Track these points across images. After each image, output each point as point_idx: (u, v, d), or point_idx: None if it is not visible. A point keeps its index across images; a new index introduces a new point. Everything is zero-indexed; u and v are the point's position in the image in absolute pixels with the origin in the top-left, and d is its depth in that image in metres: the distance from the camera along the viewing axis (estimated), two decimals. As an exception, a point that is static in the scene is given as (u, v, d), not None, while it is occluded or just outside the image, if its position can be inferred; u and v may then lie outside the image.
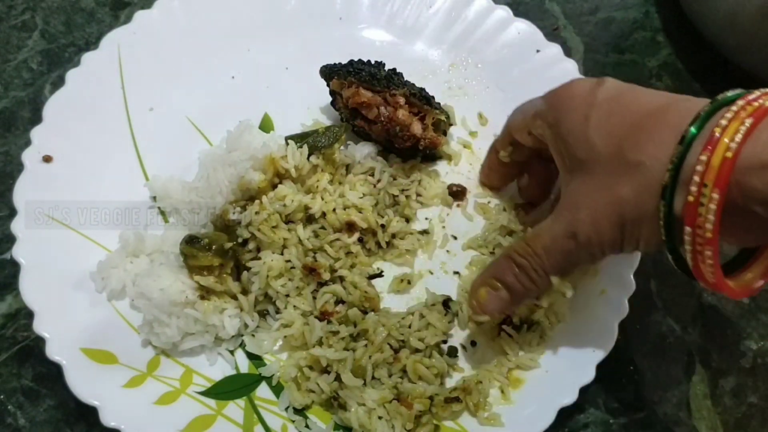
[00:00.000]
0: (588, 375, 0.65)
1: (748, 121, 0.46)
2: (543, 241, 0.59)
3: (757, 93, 0.49)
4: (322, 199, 0.71)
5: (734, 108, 0.47)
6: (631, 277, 0.69)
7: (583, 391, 0.65)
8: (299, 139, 0.73)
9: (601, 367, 0.66)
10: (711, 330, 0.75)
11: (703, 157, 0.46)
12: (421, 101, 0.74)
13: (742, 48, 0.85)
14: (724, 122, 0.46)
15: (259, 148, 0.71)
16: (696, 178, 0.47)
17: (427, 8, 0.88)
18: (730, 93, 0.49)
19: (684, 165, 0.48)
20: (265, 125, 0.81)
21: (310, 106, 0.83)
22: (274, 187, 0.71)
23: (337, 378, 0.65)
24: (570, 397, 0.64)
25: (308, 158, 0.72)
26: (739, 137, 0.45)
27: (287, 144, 0.72)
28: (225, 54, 0.85)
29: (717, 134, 0.46)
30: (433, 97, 0.76)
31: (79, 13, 0.93)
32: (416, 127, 0.73)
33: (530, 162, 0.71)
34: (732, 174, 0.46)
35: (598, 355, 0.66)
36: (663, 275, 0.78)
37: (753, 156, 0.46)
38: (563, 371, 0.66)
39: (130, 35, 0.82)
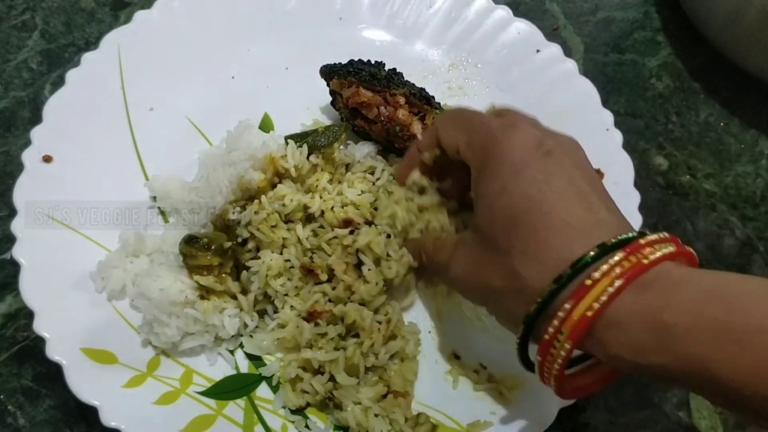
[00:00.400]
0: (588, 375, 0.65)
1: (618, 282, 0.47)
2: (435, 256, 0.63)
3: (649, 239, 0.49)
4: (321, 198, 0.71)
5: (615, 261, 0.48)
6: (631, 277, 0.69)
7: (583, 391, 0.65)
8: (299, 138, 0.73)
9: (601, 367, 0.66)
10: (711, 330, 0.75)
11: (567, 306, 0.48)
12: (421, 101, 0.74)
13: (742, 48, 0.85)
14: (596, 275, 0.48)
15: (258, 148, 0.71)
16: (555, 323, 0.49)
17: (427, 8, 0.88)
18: (627, 235, 0.50)
19: (554, 301, 0.50)
20: (265, 125, 0.81)
21: (310, 106, 0.83)
22: (274, 186, 0.71)
23: (331, 378, 0.65)
24: (570, 397, 0.64)
25: (308, 158, 0.72)
26: (605, 298, 0.47)
27: (287, 144, 0.72)
28: (225, 54, 0.85)
29: (586, 286, 0.48)
30: (433, 97, 0.76)
31: (79, 13, 0.93)
32: (416, 127, 0.73)
33: (453, 167, 0.67)
34: (591, 329, 0.48)
35: (598, 355, 0.66)
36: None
37: (612, 314, 0.47)
38: (563, 371, 0.66)
39: (130, 35, 0.82)
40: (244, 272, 0.69)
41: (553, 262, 0.50)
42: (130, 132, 0.79)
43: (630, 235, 0.49)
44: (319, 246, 0.70)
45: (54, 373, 0.65)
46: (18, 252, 0.67)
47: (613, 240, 0.49)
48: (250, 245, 0.69)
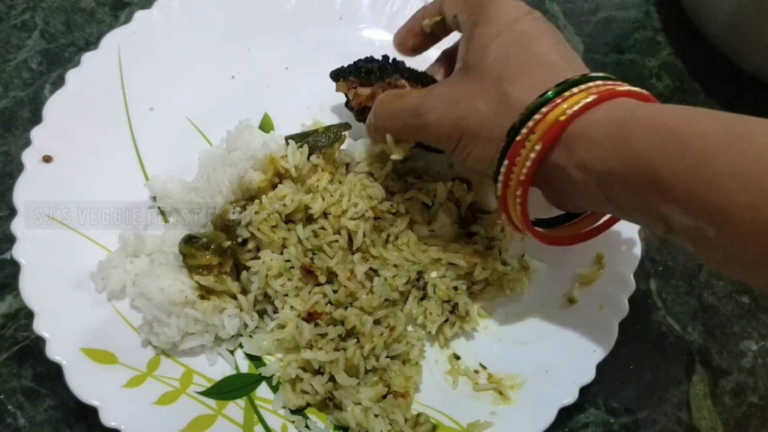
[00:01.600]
0: (588, 375, 0.65)
1: (592, 97, 0.52)
2: (400, 102, 0.65)
3: (619, 83, 0.55)
4: (323, 199, 0.71)
5: (591, 84, 0.53)
6: (631, 277, 0.69)
7: (583, 391, 0.65)
8: (299, 139, 0.73)
9: (601, 367, 0.66)
10: (711, 330, 0.75)
11: (544, 109, 0.53)
12: (426, 81, 0.72)
13: (742, 48, 0.85)
14: (575, 90, 0.53)
15: (259, 148, 0.71)
16: (529, 124, 0.53)
17: (427, 8, 0.88)
18: (600, 74, 0.55)
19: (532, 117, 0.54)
20: (265, 125, 0.81)
21: (310, 106, 0.83)
22: (274, 186, 0.71)
23: (331, 378, 0.65)
24: (570, 397, 0.64)
25: (308, 158, 0.72)
26: (577, 107, 0.52)
27: (287, 144, 0.72)
28: (225, 54, 0.85)
29: (564, 97, 0.53)
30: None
31: (79, 13, 0.93)
32: None
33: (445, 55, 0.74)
34: (562, 135, 0.53)
35: (598, 355, 0.66)
36: (663, 275, 0.78)
37: (582, 123, 0.52)
38: (563, 371, 0.66)
39: (130, 35, 0.82)
40: (244, 272, 0.69)
41: (541, 84, 0.54)
42: (130, 132, 0.79)
43: (607, 75, 0.55)
44: (319, 247, 0.70)
45: (54, 373, 0.65)
46: (18, 252, 0.67)
47: (595, 74, 0.55)
48: (250, 245, 0.69)
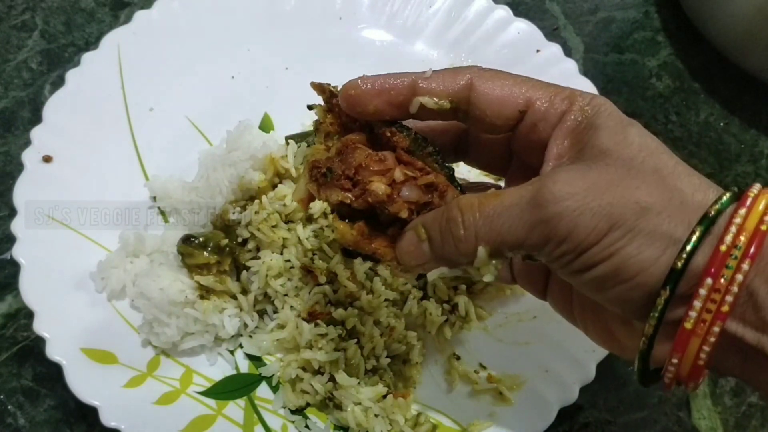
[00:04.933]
0: (588, 375, 0.65)
1: None
2: (498, 201, 0.47)
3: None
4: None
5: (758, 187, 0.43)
6: (631, 277, 0.69)
7: (583, 391, 0.65)
8: (299, 138, 0.73)
9: (601, 367, 0.66)
10: (711, 330, 0.75)
11: (742, 211, 0.41)
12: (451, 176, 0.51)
13: (742, 48, 0.85)
14: (755, 190, 0.43)
15: (259, 148, 0.71)
16: (732, 229, 0.41)
17: (427, 8, 0.88)
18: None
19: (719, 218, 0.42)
20: (265, 125, 0.81)
21: (310, 106, 0.83)
22: (274, 186, 0.71)
23: (331, 378, 0.65)
24: (570, 397, 0.64)
25: (308, 158, 0.72)
26: None
27: (287, 144, 0.72)
28: (225, 54, 0.85)
29: (748, 196, 0.42)
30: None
31: (79, 13, 0.93)
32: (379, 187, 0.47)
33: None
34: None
35: (598, 355, 0.66)
36: (663, 275, 0.78)
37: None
38: (563, 371, 0.66)
39: (130, 35, 0.82)
40: (244, 272, 0.69)
41: (707, 185, 0.44)
42: (130, 132, 0.79)
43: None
44: (319, 247, 0.70)
45: (54, 373, 0.65)
46: (18, 252, 0.67)
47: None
48: (251, 245, 0.69)
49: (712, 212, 0.42)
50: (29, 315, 0.65)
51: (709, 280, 0.41)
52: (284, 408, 0.66)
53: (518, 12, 0.87)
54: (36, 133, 0.73)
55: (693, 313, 0.41)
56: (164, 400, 0.64)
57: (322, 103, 0.53)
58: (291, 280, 0.69)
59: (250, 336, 0.69)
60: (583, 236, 0.44)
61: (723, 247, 0.41)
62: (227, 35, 0.85)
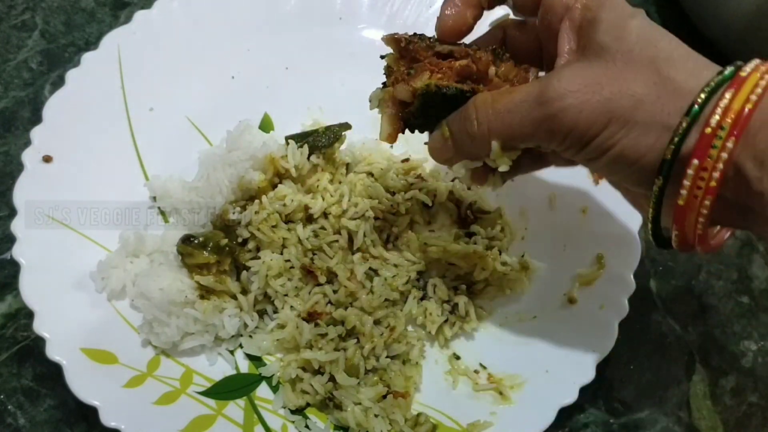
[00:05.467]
0: (588, 375, 0.65)
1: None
2: (509, 98, 0.51)
3: None
4: (323, 199, 0.71)
5: (754, 64, 0.47)
6: (631, 277, 0.69)
7: (583, 391, 0.65)
8: (299, 139, 0.73)
9: (601, 367, 0.66)
10: (711, 330, 0.75)
11: (728, 95, 0.44)
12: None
13: (742, 48, 0.85)
14: (748, 69, 0.46)
15: (259, 148, 0.71)
16: (718, 111, 0.44)
17: (427, 8, 0.88)
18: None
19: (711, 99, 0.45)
20: (265, 125, 0.81)
21: (310, 106, 0.83)
22: (274, 186, 0.71)
23: (331, 378, 0.65)
24: (570, 397, 0.64)
25: (308, 158, 0.72)
26: (759, 91, 0.44)
27: (287, 144, 0.72)
28: (225, 54, 0.85)
29: (741, 77, 0.45)
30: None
31: (79, 13, 0.93)
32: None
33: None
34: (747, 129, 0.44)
35: (598, 355, 0.66)
36: (663, 275, 0.78)
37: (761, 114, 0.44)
38: (563, 371, 0.66)
39: (130, 35, 0.82)
40: (244, 272, 0.70)
41: (704, 71, 0.47)
42: (130, 132, 0.79)
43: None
44: (319, 247, 0.70)
45: (54, 373, 0.65)
46: (18, 252, 0.67)
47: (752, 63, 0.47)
48: (251, 245, 0.69)
49: (700, 99, 0.45)
50: (29, 315, 0.65)
51: (695, 161, 0.44)
52: (284, 408, 0.66)
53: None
54: (36, 133, 0.73)
55: (684, 192, 0.45)
56: (164, 400, 0.64)
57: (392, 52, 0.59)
58: (291, 280, 0.69)
59: (250, 336, 0.69)
60: (585, 130, 0.48)
61: (708, 130, 0.44)
62: (227, 35, 0.85)
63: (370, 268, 0.70)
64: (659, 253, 0.79)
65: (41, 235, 0.69)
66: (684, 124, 0.45)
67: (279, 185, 0.71)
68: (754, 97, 0.44)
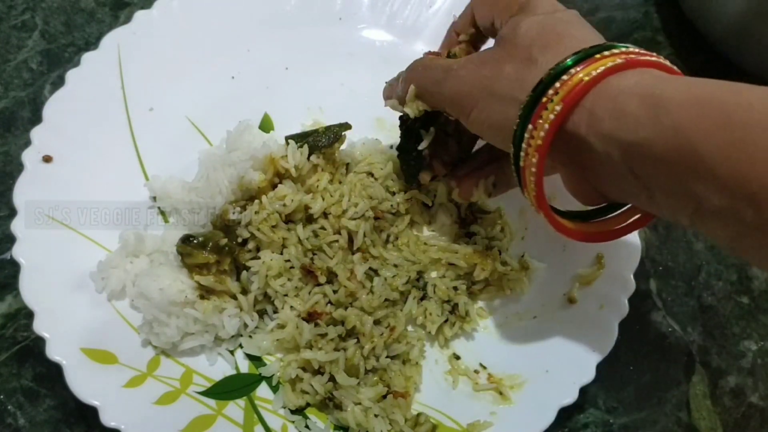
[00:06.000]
0: (588, 375, 0.65)
1: (620, 60, 0.50)
2: (434, 61, 0.66)
3: (648, 53, 0.52)
4: (323, 199, 0.71)
5: (620, 50, 0.51)
6: (631, 277, 0.69)
7: (583, 391, 0.65)
8: (299, 138, 0.73)
9: (601, 367, 0.66)
10: (711, 330, 0.75)
11: (572, 71, 0.51)
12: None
13: (742, 48, 0.85)
14: (606, 53, 0.51)
15: (259, 148, 0.71)
16: (556, 85, 0.51)
17: (427, 8, 0.88)
18: (630, 45, 0.53)
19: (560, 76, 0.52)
20: (265, 125, 0.81)
21: (310, 106, 0.83)
22: (274, 186, 0.71)
23: (331, 378, 0.65)
24: (570, 397, 0.64)
25: (308, 158, 0.72)
26: (603, 69, 0.50)
27: (287, 144, 0.72)
28: (225, 54, 0.85)
29: (594, 59, 0.51)
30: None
31: (79, 13, 0.93)
32: None
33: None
34: (586, 101, 0.50)
35: (598, 355, 0.66)
36: (663, 275, 0.78)
37: (606, 86, 0.50)
38: (563, 371, 0.67)
39: (130, 35, 0.82)
40: (244, 272, 0.70)
41: (570, 52, 0.52)
42: (130, 132, 0.79)
43: (639, 49, 0.53)
44: (319, 247, 0.70)
45: (54, 373, 0.65)
46: (18, 252, 0.67)
47: (624, 44, 0.52)
48: (250, 245, 0.69)
49: (547, 76, 0.52)
50: (29, 315, 0.65)
51: (530, 126, 0.52)
52: (284, 408, 0.66)
53: (518, 12, 0.87)
54: (36, 133, 0.73)
55: (522, 154, 0.53)
56: (164, 400, 0.64)
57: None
58: (291, 280, 0.69)
59: (250, 336, 0.69)
60: (465, 98, 0.59)
61: (544, 99, 0.51)
62: (227, 35, 0.85)
63: (370, 268, 0.70)
64: (659, 253, 0.79)
65: (41, 235, 0.69)
66: (527, 97, 0.52)
67: (279, 185, 0.71)
68: (594, 73, 0.50)
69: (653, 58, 0.51)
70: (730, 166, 0.43)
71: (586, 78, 0.50)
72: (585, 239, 0.60)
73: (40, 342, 0.65)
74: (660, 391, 0.71)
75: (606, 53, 0.51)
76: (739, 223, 0.44)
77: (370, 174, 0.75)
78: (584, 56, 0.51)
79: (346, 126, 0.75)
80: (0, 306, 0.73)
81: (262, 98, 0.83)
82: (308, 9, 0.88)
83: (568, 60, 0.51)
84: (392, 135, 0.78)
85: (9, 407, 0.68)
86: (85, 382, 0.62)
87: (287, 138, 0.74)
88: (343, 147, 0.76)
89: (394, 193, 0.74)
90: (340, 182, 0.74)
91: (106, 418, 0.61)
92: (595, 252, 0.72)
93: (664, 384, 0.72)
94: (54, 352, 0.63)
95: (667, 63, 0.52)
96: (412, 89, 0.65)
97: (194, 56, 0.84)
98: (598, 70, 0.50)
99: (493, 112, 0.57)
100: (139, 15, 0.83)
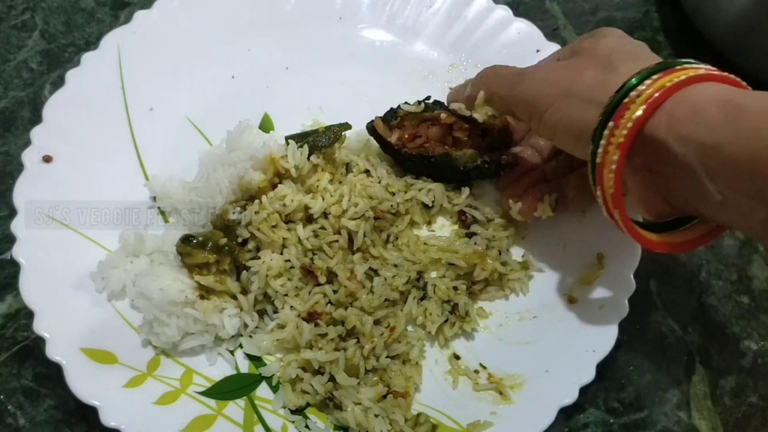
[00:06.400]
0: (588, 375, 0.65)
1: (701, 71, 0.54)
2: (503, 69, 0.70)
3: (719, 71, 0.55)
4: (323, 199, 0.71)
5: (698, 65, 0.55)
6: (631, 277, 0.69)
7: (583, 391, 0.65)
8: (299, 139, 0.73)
9: (601, 367, 0.66)
10: (711, 330, 0.75)
11: (655, 76, 0.54)
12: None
13: (742, 48, 0.85)
14: (685, 64, 0.54)
15: (259, 148, 0.71)
16: (640, 87, 0.54)
17: (427, 8, 0.88)
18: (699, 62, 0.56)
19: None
20: (265, 125, 0.81)
21: (310, 106, 0.83)
22: (274, 186, 0.71)
23: (331, 378, 0.65)
24: (570, 397, 0.64)
25: (308, 158, 0.72)
26: (684, 77, 0.53)
27: (287, 144, 0.72)
28: (225, 54, 0.85)
29: (674, 69, 0.54)
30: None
31: (79, 13, 0.93)
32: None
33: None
34: (667, 104, 0.53)
35: (598, 355, 0.66)
36: (663, 275, 0.78)
37: (687, 94, 0.53)
38: (563, 371, 0.66)
39: (130, 35, 0.82)
40: (244, 272, 0.70)
41: (649, 62, 0.56)
42: (130, 132, 0.79)
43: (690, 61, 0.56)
44: (319, 247, 0.70)
45: (54, 373, 0.65)
46: (18, 252, 0.67)
47: (701, 63, 0.56)
48: (251, 245, 0.69)
49: (632, 81, 0.54)
50: (29, 315, 0.65)
51: (611, 123, 0.54)
52: (284, 408, 0.66)
53: (518, 12, 0.87)
54: (36, 133, 0.73)
55: (600, 150, 0.55)
56: (164, 400, 0.64)
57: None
58: (291, 280, 0.69)
59: (250, 336, 0.69)
60: (541, 99, 0.62)
61: (626, 100, 0.54)
62: (227, 35, 0.85)
63: (370, 268, 0.70)
64: (659, 253, 0.79)
65: (41, 235, 0.69)
66: (613, 99, 0.54)
67: (279, 185, 0.71)
68: (676, 80, 0.53)
69: (728, 75, 0.54)
70: None
71: (668, 84, 0.52)
72: (656, 248, 0.61)
73: (40, 342, 0.65)
74: (660, 391, 0.71)
75: (686, 66, 0.54)
76: None
77: (370, 174, 0.75)
78: (665, 66, 0.54)
79: (346, 126, 0.75)
80: (0, 306, 0.73)
81: (262, 98, 0.83)
82: (308, 9, 0.88)
83: (652, 67, 0.54)
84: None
85: (9, 407, 0.68)
86: (85, 382, 0.62)
87: (287, 138, 0.74)
88: (342, 147, 0.76)
89: (394, 193, 0.74)
90: (340, 182, 0.74)
91: (106, 418, 0.61)
92: (595, 252, 0.72)
93: (664, 384, 0.72)
94: (54, 352, 0.63)
95: (739, 80, 0.55)
96: (482, 94, 0.69)
97: (194, 56, 0.84)
98: (680, 78, 0.53)
99: (571, 111, 0.59)
100: (139, 15, 0.83)
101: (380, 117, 0.74)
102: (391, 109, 0.75)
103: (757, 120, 0.47)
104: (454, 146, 0.74)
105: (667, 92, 0.52)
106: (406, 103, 0.74)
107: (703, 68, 0.54)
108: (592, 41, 0.63)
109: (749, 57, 0.85)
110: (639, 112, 0.53)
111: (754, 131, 0.47)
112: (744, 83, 0.54)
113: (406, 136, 0.74)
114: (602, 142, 0.55)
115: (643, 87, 0.53)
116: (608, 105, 0.54)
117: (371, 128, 0.74)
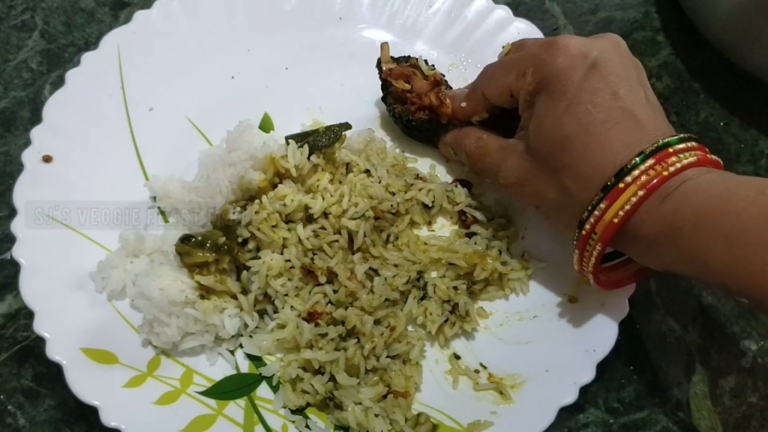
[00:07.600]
0: (588, 375, 0.65)
1: (641, 193, 0.55)
2: (483, 160, 0.70)
3: (677, 147, 0.56)
4: (323, 198, 0.71)
5: (642, 168, 0.55)
6: (631, 276, 0.69)
7: (583, 391, 0.65)
8: (300, 138, 0.73)
9: (601, 367, 0.66)
10: (711, 330, 0.75)
11: (602, 206, 0.57)
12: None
13: (742, 48, 0.85)
14: (629, 179, 0.56)
15: (259, 148, 0.71)
16: (592, 220, 0.58)
17: (427, 8, 0.88)
18: (656, 144, 0.56)
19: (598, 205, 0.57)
20: (265, 125, 0.81)
21: (310, 106, 0.83)
22: (274, 186, 0.71)
23: (332, 378, 0.65)
24: (570, 397, 0.64)
25: (308, 158, 0.72)
26: (628, 207, 0.56)
27: (287, 144, 0.72)
28: (225, 54, 0.85)
29: (619, 189, 0.56)
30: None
31: (79, 13, 0.93)
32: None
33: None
34: (620, 232, 0.57)
35: (598, 355, 0.66)
36: (663, 275, 0.78)
37: (635, 221, 0.56)
38: (563, 371, 0.66)
39: (130, 35, 0.82)
40: (245, 272, 0.70)
41: (600, 176, 0.57)
42: (130, 132, 0.79)
43: (662, 141, 0.56)
44: (319, 247, 0.70)
45: (54, 373, 0.65)
46: (18, 252, 0.67)
47: (649, 148, 0.56)
48: (251, 245, 0.69)
49: (588, 209, 0.58)
50: (29, 315, 0.65)
51: (577, 251, 0.61)
52: (284, 408, 0.66)
53: (518, 12, 0.87)
54: (36, 133, 0.73)
55: (577, 251, 0.61)
56: (164, 400, 0.64)
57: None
58: (291, 280, 0.69)
59: (251, 336, 0.69)
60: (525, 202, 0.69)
61: (583, 232, 0.59)
62: (227, 35, 0.85)
63: (371, 268, 0.70)
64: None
65: (41, 235, 0.69)
66: (575, 236, 0.60)
67: (279, 185, 0.71)
68: (622, 213, 0.56)
69: (675, 167, 0.55)
70: (737, 279, 0.51)
71: (615, 220, 0.56)
72: (614, 287, 0.66)
73: (40, 342, 0.65)
74: (660, 391, 0.71)
75: (629, 179, 0.56)
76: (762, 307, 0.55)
77: (370, 174, 0.75)
78: (615, 183, 0.56)
79: (346, 126, 0.75)
80: (0, 306, 0.73)
81: (262, 98, 0.83)
82: (308, 9, 0.88)
83: (596, 199, 0.57)
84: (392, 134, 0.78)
85: (9, 407, 0.68)
86: (85, 382, 0.62)
87: (287, 138, 0.74)
88: (343, 147, 0.76)
89: (394, 193, 0.74)
90: (340, 182, 0.74)
91: (107, 418, 0.61)
92: (595, 252, 0.72)
93: (664, 384, 0.72)
94: (54, 352, 0.63)
95: (692, 159, 0.56)
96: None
97: (194, 56, 0.84)
98: (624, 210, 0.56)
99: (550, 220, 0.67)
100: (139, 15, 0.83)
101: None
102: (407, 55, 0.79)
103: (692, 238, 0.53)
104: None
105: (617, 227, 0.56)
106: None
107: (646, 177, 0.55)
108: (541, 128, 0.62)
109: (749, 57, 0.85)
110: (597, 251, 0.59)
111: (689, 250, 0.54)
112: (711, 158, 0.58)
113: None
114: (575, 257, 0.62)
115: (598, 214, 0.57)
116: (576, 238, 0.60)
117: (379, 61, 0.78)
